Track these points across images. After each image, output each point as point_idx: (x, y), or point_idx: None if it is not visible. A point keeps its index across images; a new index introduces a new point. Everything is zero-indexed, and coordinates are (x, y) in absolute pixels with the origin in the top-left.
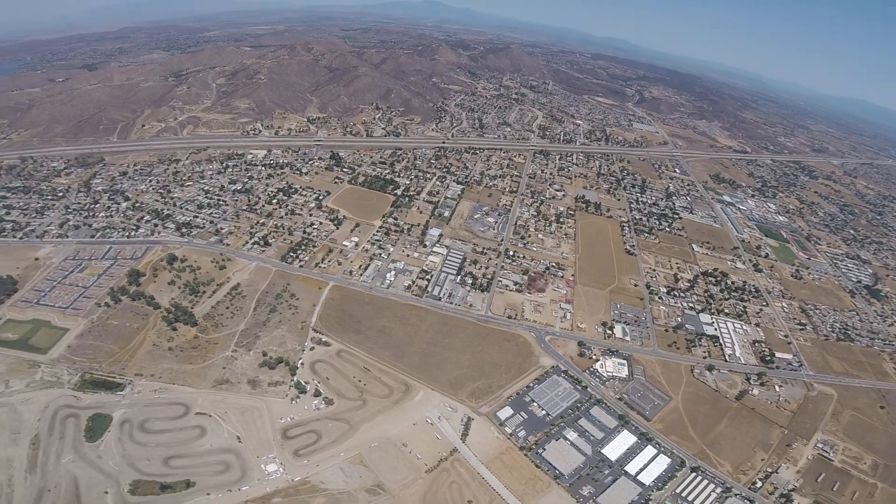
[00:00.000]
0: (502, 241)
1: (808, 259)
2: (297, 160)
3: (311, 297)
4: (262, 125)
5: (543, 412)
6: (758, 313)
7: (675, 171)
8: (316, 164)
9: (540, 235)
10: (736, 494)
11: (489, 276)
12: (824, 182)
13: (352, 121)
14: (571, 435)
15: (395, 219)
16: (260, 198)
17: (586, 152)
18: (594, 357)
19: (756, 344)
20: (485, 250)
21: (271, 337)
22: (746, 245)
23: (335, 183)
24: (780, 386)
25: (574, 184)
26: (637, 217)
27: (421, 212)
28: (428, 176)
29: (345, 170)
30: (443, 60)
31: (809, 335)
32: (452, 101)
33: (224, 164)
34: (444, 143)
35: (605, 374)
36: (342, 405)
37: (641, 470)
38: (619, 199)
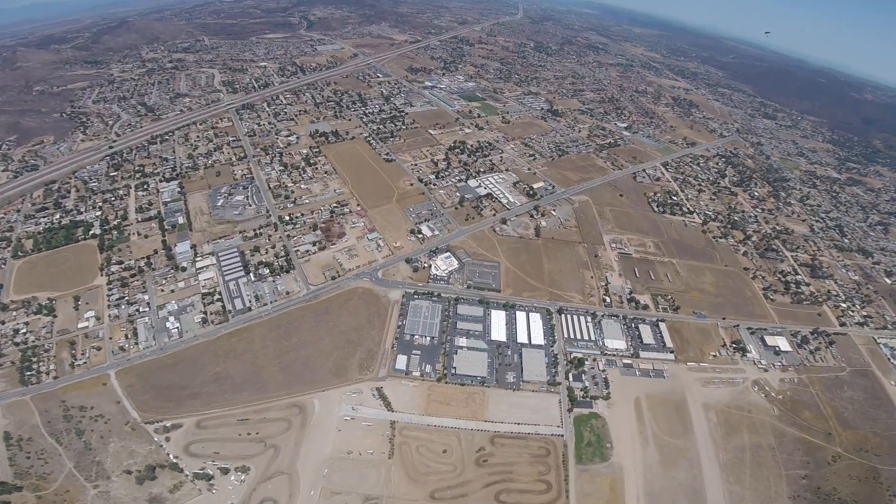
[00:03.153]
0: (269, 211)
1: (505, 106)
2: None
3: (103, 398)
4: None
5: (428, 338)
6: (501, 161)
7: (378, 76)
8: None
9: (303, 185)
10: (603, 315)
11: (284, 253)
12: (479, 46)
13: None
14: (462, 342)
15: (120, 262)
16: None
17: (291, 89)
18: (425, 265)
19: (517, 185)
20: (257, 231)
21: (114, 455)
22: (462, 113)
23: None
24: (553, 210)
25: (300, 122)
26: (374, 128)
27: (146, 236)
28: (121, 192)
29: None
30: (34, 64)
31: (540, 161)
32: (88, 100)
33: None
34: (111, 147)
35: (444, 274)
36: (259, 462)
37: (529, 335)
38: (349, 120)
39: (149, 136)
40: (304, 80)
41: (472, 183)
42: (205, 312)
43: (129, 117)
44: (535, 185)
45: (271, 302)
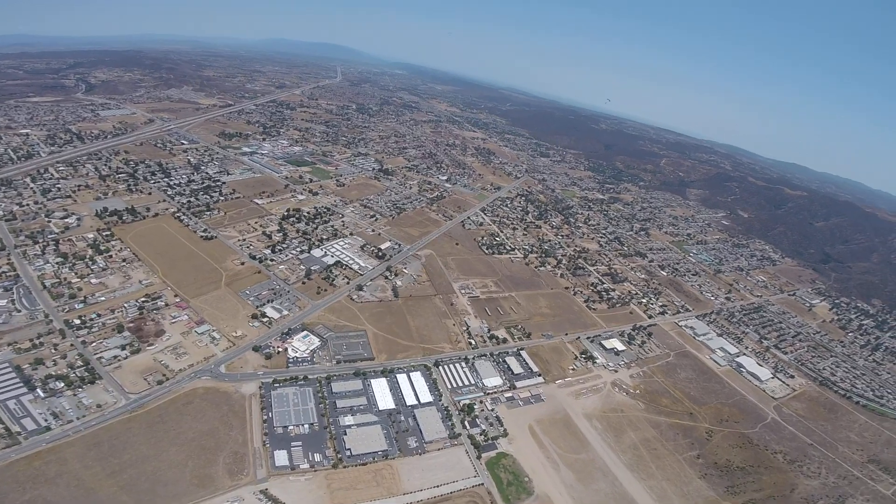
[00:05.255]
0: (48, 315)
1: (337, 169)
2: None
3: None
4: None
5: (306, 426)
6: (344, 225)
7: (183, 143)
8: None
9: (94, 280)
10: (475, 357)
11: (82, 362)
12: (301, 110)
13: None
14: (349, 420)
15: None
16: None
17: (66, 160)
18: (279, 349)
19: (364, 248)
20: (35, 342)
21: None
22: (292, 179)
23: None
24: (405, 268)
25: (81, 199)
26: (184, 201)
27: None
28: None
29: None
30: None
31: (382, 221)
32: None
33: None
34: None
35: (305, 355)
36: None
37: (416, 395)
38: (149, 194)
39: None
40: (84, 149)
41: (317, 252)
42: None
43: None
44: (382, 246)
45: (80, 416)
